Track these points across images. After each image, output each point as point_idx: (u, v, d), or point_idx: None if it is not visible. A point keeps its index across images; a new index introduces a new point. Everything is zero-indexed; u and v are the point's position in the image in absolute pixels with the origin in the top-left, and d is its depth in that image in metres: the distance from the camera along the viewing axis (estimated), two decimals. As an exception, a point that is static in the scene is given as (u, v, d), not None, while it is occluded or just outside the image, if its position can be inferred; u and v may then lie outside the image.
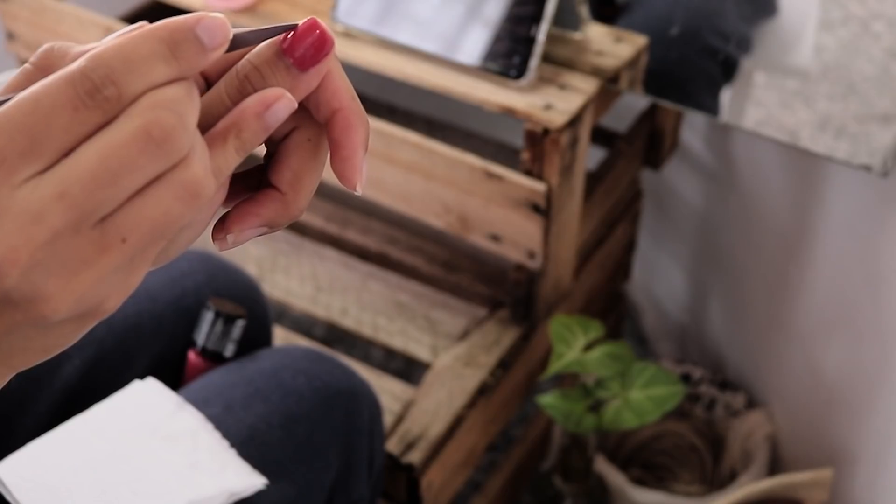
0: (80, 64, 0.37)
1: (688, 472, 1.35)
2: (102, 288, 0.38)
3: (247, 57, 0.42)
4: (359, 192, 0.45)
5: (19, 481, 0.74)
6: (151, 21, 0.43)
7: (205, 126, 0.41)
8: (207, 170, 0.39)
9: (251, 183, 0.46)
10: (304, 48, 0.41)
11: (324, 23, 0.42)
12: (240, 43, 0.41)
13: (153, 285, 0.87)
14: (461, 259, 1.26)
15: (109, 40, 0.39)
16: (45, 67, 0.39)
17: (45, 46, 0.40)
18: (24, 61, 1.26)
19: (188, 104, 0.38)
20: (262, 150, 0.46)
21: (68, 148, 0.37)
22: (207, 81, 0.43)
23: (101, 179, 0.37)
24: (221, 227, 0.44)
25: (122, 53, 0.37)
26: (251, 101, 0.40)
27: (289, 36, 0.42)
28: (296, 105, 0.41)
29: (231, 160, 0.41)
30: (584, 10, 1.07)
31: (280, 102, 0.41)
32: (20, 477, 0.74)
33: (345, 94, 0.43)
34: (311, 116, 0.44)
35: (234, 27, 0.43)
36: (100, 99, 0.37)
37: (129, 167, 0.37)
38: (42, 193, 0.36)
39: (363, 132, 0.44)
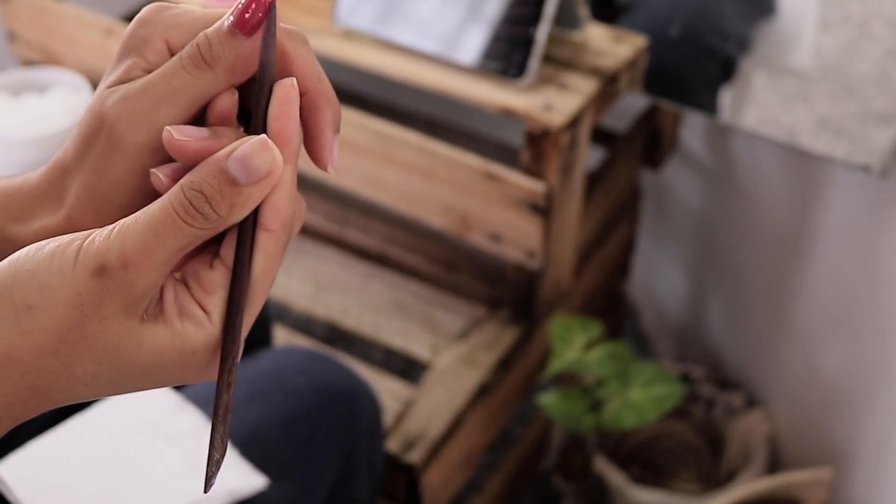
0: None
1: (687, 471, 1.35)
2: None
3: (203, 31, 0.44)
4: (331, 172, 0.46)
5: (21, 480, 0.74)
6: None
7: (160, 94, 0.44)
8: None
9: None
10: (245, 15, 0.43)
11: None
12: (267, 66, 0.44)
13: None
14: (461, 259, 1.26)
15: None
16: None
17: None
18: (25, 61, 1.27)
19: None
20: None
21: None
22: (172, 54, 0.45)
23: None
24: None
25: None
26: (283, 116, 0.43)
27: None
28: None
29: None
30: (584, 10, 1.07)
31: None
32: (22, 476, 0.74)
33: (310, 78, 0.45)
34: None
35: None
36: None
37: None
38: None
39: (331, 114, 0.45)
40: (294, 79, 0.43)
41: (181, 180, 0.41)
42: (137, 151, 0.44)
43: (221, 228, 0.41)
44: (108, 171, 0.44)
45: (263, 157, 0.41)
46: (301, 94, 0.44)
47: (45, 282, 0.39)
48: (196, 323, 0.41)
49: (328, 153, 0.46)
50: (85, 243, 0.40)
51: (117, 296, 0.40)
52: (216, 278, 0.42)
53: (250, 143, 0.41)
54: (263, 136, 0.41)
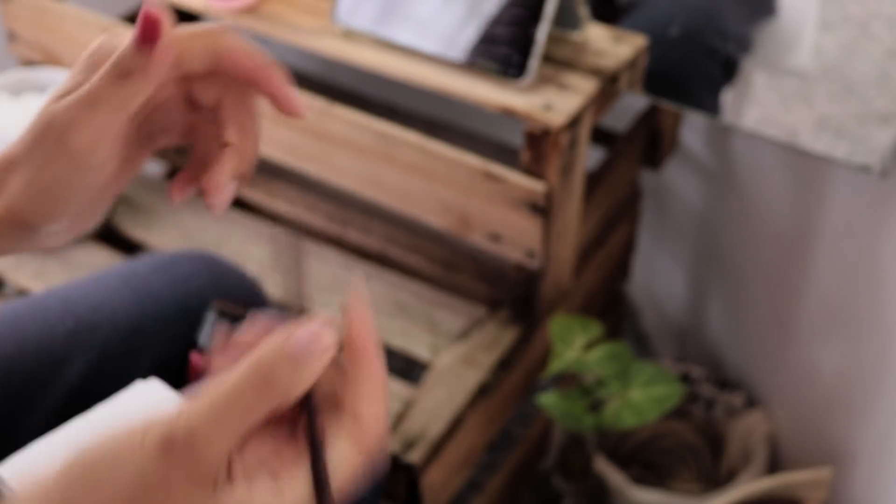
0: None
1: (687, 471, 1.35)
2: None
3: (118, 46, 0.52)
4: (308, 115, 0.55)
5: (21, 480, 0.74)
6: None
7: (95, 102, 0.51)
8: None
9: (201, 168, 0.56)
10: (141, 31, 0.51)
11: (155, 8, 0.51)
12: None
13: (156, 287, 0.88)
14: (461, 259, 1.26)
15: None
16: None
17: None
18: (25, 61, 1.27)
19: None
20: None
21: None
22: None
23: None
24: (206, 199, 0.54)
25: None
26: None
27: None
28: None
29: None
30: (584, 10, 1.07)
31: None
32: (22, 476, 0.74)
33: (248, 58, 0.52)
34: (230, 82, 0.54)
35: (234, 31, 0.54)
36: None
37: None
38: None
39: (278, 73, 0.53)
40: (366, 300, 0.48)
41: (252, 357, 0.43)
42: (79, 151, 0.51)
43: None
44: (52, 168, 0.52)
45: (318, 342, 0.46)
46: (248, 73, 0.52)
47: (112, 462, 0.42)
48: (265, 490, 0.42)
49: (295, 102, 0.53)
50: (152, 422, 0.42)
51: (184, 470, 0.41)
52: (289, 448, 0.44)
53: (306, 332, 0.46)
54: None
